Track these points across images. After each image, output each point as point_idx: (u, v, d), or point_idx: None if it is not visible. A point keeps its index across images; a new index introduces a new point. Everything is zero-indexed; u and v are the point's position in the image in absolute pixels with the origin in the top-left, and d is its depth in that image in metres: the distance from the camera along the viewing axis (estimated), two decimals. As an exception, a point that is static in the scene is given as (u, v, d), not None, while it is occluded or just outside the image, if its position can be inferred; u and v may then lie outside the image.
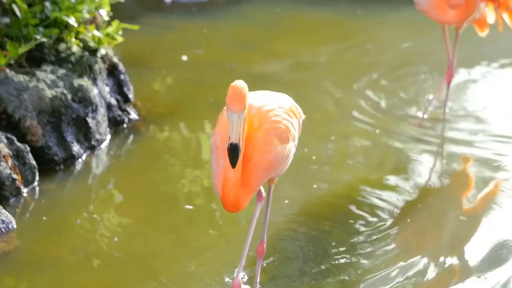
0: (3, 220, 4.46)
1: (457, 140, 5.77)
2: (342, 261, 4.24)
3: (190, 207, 4.85)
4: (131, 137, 5.78)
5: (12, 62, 5.25)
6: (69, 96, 5.35)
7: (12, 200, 4.79)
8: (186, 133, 5.89)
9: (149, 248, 4.39)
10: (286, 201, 4.84)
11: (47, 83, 5.28)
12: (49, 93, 5.25)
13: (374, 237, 4.48)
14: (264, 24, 8.43)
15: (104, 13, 5.82)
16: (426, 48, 7.62)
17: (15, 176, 4.81)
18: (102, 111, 5.58)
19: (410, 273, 4.15)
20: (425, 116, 6.02)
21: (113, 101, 5.84)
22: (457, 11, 5.53)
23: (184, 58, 7.28)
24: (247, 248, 3.69)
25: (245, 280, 4.03)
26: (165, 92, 6.68)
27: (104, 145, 5.55)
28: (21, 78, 5.19)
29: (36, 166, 5.01)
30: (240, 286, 3.65)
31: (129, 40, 6.27)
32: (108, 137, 5.65)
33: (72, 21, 5.53)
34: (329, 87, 6.68)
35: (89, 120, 5.42)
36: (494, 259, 4.28)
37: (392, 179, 5.19)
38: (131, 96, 6.09)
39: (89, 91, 5.46)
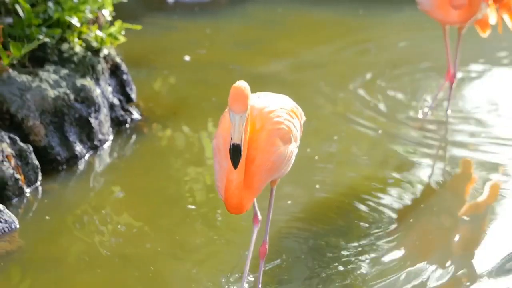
0: (6, 220, 4.47)
1: (459, 141, 5.76)
2: (346, 262, 4.23)
3: (193, 207, 4.85)
4: (134, 137, 5.79)
5: (15, 62, 5.26)
6: (72, 96, 5.36)
7: (15, 200, 4.80)
8: (188, 133, 5.89)
9: (151, 248, 4.39)
10: (289, 202, 4.85)
11: (50, 83, 5.29)
12: (52, 93, 5.25)
13: (377, 237, 4.47)
14: (267, 24, 8.43)
15: (106, 13, 5.83)
16: (428, 48, 7.62)
17: (18, 176, 4.82)
18: (104, 111, 5.59)
19: (414, 276, 4.14)
20: (428, 116, 6.02)
21: (115, 101, 5.85)
22: (460, 11, 5.52)
23: (187, 58, 7.28)
24: (247, 269, 3.74)
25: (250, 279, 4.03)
26: (167, 92, 6.68)
27: (106, 145, 5.56)
28: (24, 78, 5.20)
29: (39, 166, 5.02)
30: None
31: (132, 40, 6.28)
32: (111, 137, 5.66)
33: (74, 21, 5.54)
34: (332, 87, 6.68)
35: (92, 120, 5.42)
36: (496, 259, 4.28)
37: (395, 179, 5.19)
38: (133, 96, 6.09)
39: (91, 91, 5.47)
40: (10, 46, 5.06)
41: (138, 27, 6.03)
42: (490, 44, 7.10)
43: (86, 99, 5.43)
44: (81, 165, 5.30)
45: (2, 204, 4.56)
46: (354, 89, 6.62)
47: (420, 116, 6.07)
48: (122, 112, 5.87)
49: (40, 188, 4.99)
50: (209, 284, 4.07)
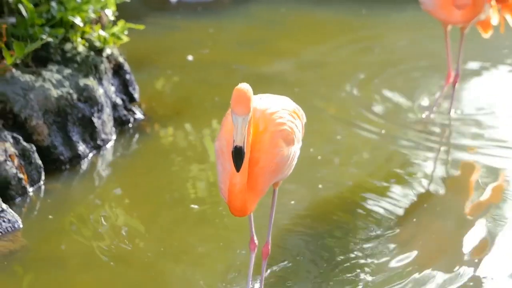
0: (9, 220, 4.48)
1: (461, 141, 5.76)
2: (350, 262, 4.22)
3: (195, 206, 4.85)
4: (137, 136, 5.79)
5: (18, 61, 5.27)
6: (75, 96, 5.36)
7: (18, 199, 4.81)
8: (191, 132, 5.89)
9: (154, 248, 4.39)
10: (293, 202, 4.84)
11: (53, 82, 5.29)
12: (55, 92, 5.26)
13: (381, 237, 4.47)
14: (270, 24, 8.43)
15: (109, 12, 5.84)
16: (431, 48, 7.61)
17: (21, 175, 4.82)
18: (107, 110, 5.59)
19: (412, 265, 4.15)
20: (431, 117, 6.01)
21: (118, 101, 5.85)
22: (463, 11, 5.50)
23: (190, 58, 7.28)
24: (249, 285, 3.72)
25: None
26: (170, 91, 6.69)
27: (109, 145, 5.56)
28: (27, 77, 5.21)
29: (42, 165, 5.02)
30: None
31: (135, 40, 6.29)
32: (114, 136, 5.66)
33: (78, 21, 5.54)
34: (335, 86, 6.68)
35: (95, 119, 5.43)
36: (499, 259, 4.28)
37: (398, 179, 5.19)
38: (136, 95, 6.10)
39: (94, 90, 5.47)
40: (13, 45, 5.07)
41: (141, 27, 6.03)
42: (492, 44, 7.09)
43: (89, 99, 5.43)
44: (84, 165, 5.30)
45: (5, 203, 4.57)
46: (357, 89, 6.61)
47: (423, 117, 6.06)
48: (125, 112, 5.88)
49: (43, 187, 5.00)
50: (211, 284, 4.08)
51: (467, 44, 5.98)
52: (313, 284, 4.07)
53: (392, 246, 4.39)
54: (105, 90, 5.68)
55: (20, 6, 5.38)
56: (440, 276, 4.11)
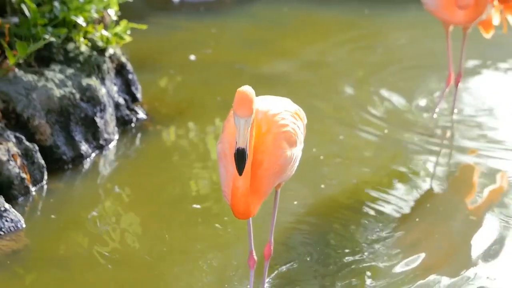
0: (12, 219, 4.48)
1: (464, 141, 5.75)
2: (354, 265, 4.21)
3: (198, 206, 4.85)
4: (139, 136, 5.80)
5: (21, 61, 5.27)
6: (78, 96, 5.37)
7: (20, 199, 4.81)
8: (194, 132, 5.90)
9: (157, 247, 4.40)
10: (295, 202, 4.84)
11: (56, 82, 5.30)
12: (57, 92, 5.27)
13: (385, 238, 4.47)
14: (272, 23, 8.43)
15: (112, 12, 5.84)
16: (434, 47, 7.61)
17: (23, 175, 4.83)
18: (110, 110, 5.60)
19: (417, 269, 4.15)
20: (434, 117, 6.00)
21: (121, 101, 5.86)
22: (466, 12, 5.49)
23: (192, 57, 7.29)
24: None
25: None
26: (173, 91, 6.69)
27: (112, 145, 5.57)
28: (30, 77, 5.21)
29: (44, 165, 5.03)
30: None
31: (137, 39, 6.29)
32: (116, 136, 5.67)
33: (80, 20, 5.55)
34: (337, 86, 6.68)
35: (97, 119, 5.43)
36: (502, 259, 4.28)
37: (401, 179, 5.19)
38: (139, 95, 6.10)
39: (97, 90, 5.48)
40: (16, 45, 5.08)
41: (144, 26, 6.03)
42: (494, 44, 7.08)
43: (92, 99, 5.44)
44: (87, 165, 5.31)
45: (8, 203, 4.57)
46: (360, 89, 6.61)
47: (427, 117, 6.05)
48: (127, 112, 5.88)
49: (45, 187, 5.00)
50: (214, 283, 4.08)
51: (468, 44, 5.97)
52: (319, 287, 4.07)
53: (396, 247, 4.38)
54: (108, 90, 5.69)
55: (23, 6, 5.39)
56: (446, 280, 4.11)
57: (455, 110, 6.07)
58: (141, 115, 5.98)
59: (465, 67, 6.88)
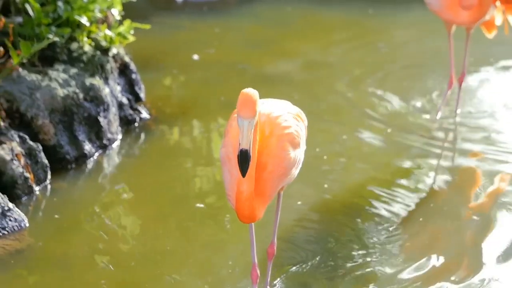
0: (15, 219, 4.49)
1: (467, 141, 5.75)
2: (358, 268, 4.20)
3: (201, 205, 4.86)
4: (142, 136, 5.80)
5: (24, 61, 5.28)
6: (81, 95, 5.37)
7: (24, 198, 4.82)
8: (197, 132, 5.90)
9: (160, 247, 4.40)
10: (299, 202, 4.83)
11: (59, 82, 5.31)
12: (61, 92, 5.27)
13: (387, 237, 4.46)
14: (275, 23, 8.43)
15: (116, 12, 5.85)
16: (437, 48, 7.60)
17: (27, 174, 4.84)
18: (113, 110, 5.60)
19: (421, 272, 4.14)
20: (437, 117, 5.99)
21: (124, 100, 5.86)
22: (469, 12, 5.47)
23: (195, 57, 7.29)
24: None
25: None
26: (176, 91, 6.69)
27: (115, 144, 5.57)
28: (34, 77, 5.22)
29: (48, 164, 5.03)
30: None
31: (141, 39, 6.29)
32: (120, 136, 5.67)
33: (84, 20, 5.55)
34: (340, 86, 6.68)
35: (101, 119, 5.44)
36: (506, 260, 4.27)
37: (404, 178, 5.18)
38: (142, 95, 6.11)
39: (100, 90, 5.48)
40: (20, 45, 5.08)
41: (147, 26, 6.04)
42: (496, 44, 7.06)
43: (95, 98, 5.44)
44: (90, 164, 5.31)
45: (12, 202, 4.58)
46: (363, 89, 6.61)
47: (430, 118, 6.04)
48: (131, 111, 5.89)
49: (49, 186, 5.01)
50: (218, 282, 4.08)
51: (471, 43, 5.96)
52: (317, 284, 4.07)
53: (401, 250, 4.35)
54: (111, 90, 5.69)
55: (27, 6, 5.40)
56: (437, 263, 4.11)
57: (458, 110, 6.07)
58: (145, 114, 5.98)
59: (471, 68, 6.88)
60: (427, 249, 4.34)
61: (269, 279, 3.89)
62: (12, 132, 4.94)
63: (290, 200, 4.73)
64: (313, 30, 8.34)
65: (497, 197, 4.99)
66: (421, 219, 4.72)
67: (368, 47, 7.75)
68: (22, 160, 4.84)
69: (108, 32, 5.79)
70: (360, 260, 4.24)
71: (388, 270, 4.16)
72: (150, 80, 6.49)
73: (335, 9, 8.77)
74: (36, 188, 4.93)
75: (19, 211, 4.55)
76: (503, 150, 5.54)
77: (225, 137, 3.50)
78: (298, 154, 3.53)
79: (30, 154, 4.94)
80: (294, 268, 4.18)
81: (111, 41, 5.81)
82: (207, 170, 5.33)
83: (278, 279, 4.09)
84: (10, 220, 4.46)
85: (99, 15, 5.69)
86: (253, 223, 3.55)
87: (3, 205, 4.47)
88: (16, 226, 4.48)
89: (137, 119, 5.90)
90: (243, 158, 3.21)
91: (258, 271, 3.65)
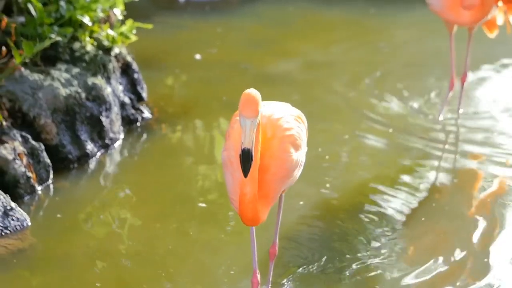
0: (18, 218, 4.50)
1: (470, 141, 5.75)
2: (360, 265, 4.21)
3: (203, 205, 4.86)
4: (144, 135, 5.81)
5: (27, 61, 5.29)
6: (83, 95, 5.38)
7: (26, 198, 4.83)
8: (199, 132, 5.90)
9: (162, 246, 4.40)
10: (301, 202, 4.83)
11: (62, 81, 5.31)
12: (63, 91, 5.28)
13: (390, 237, 4.46)
14: (278, 23, 8.43)
15: (118, 12, 5.85)
16: (438, 48, 7.60)
17: (29, 174, 4.84)
18: (115, 109, 5.61)
19: (427, 276, 4.13)
20: (440, 118, 5.99)
21: (126, 100, 5.87)
22: (471, 12, 5.45)
23: (198, 57, 7.30)
24: None
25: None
26: (178, 91, 6.70)
27: (117, 144, 5.58)
28: (36, 76, 5.23)
29: (50, 164, 5.04)
30: None
31: (143, 39, 6.30)
32: (122, 135, 5.68)
33: (86, 20, 5.56)
34: (342, 86, 6.68)
35: (103, 118, 5.44)
36: (508, 259, 4.27)
37: (406, 179, 5.19)
38: (144, 95, 6.11)
39: (103, 89, 5.49)
40: (23, 45, 5.09)
41: (149, 26, 6.04)
42: (497, 44, 7.06)
43: (97, 98, 5.45)
44: (92, 164, 5.32)
45: (14, 202, 4.58)
46: (365, 89, 6.61)
47: (431, 119, 6.03)
48: (133, 111, 5.89)
49: (51, 186, 5.02)
50: (220, 282, 4.08)
51: (472, 43, 5.96)
52: (319, 284, 4.07)
53: (404, 253, 4.34)
54: (113, 89, 5.70)
55: (29, 5, 5.40)
56: (439, 263, 4.10)
57: (461, 110, 6.06)
58: (147, 114, 5.99)
59: (473, 68, 6.87)
60: (432, 251, 4.33)
61: (271, 280, 3.89)
62: (15, 131, 4.95)
63: (292, 200, 4.73)
64: (314, 29, 8.34)
65: (501, 198, 4.99)
66: (423, 218, 4.72)
67: (369, 47, 7.74)
68: (25, 159, 4.85)
69: (111, 32, 5.80)
70: (364, 262, 4.23)
71: (393, 273, 4.14)
72: (152, 80, 6.50)
73: (336, 9, 8.77)
74: (38, 188, 4.93)
75: (21, 210, 4.56)
76: (505, 151, 5.54)
77: (227, 140, 3.49)
78: (300, 156, 3.53)
79: (32, 154, 4.95)
80: (296, 268, 4.18)
81: (113, 40, 5.81)
82: (209, 169, 5.34)
83: (280, 278, 4.09)
84: (13, 219, 4.47)
85: (101, 14, 5.70)
86: (254, 228, 3.53)
87: (5, 204, 4.48)
88: (18, 225, 4.49)
89: (139, 118, 5.91)
90: (246, 157, 3.20)
91: (259, 277, 3.62)
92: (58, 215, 4.71)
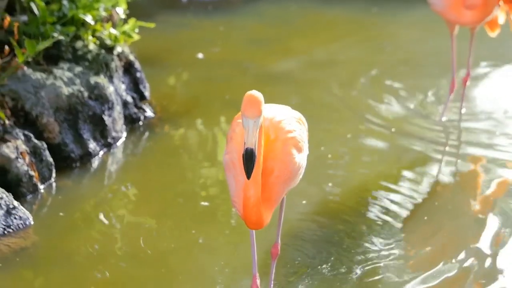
0: (20, 217, 4.50)
1: (472, 141, 5.74)
2: (362, 265, 4.20)
3: (206, 203, 4.87)
4: (147, 134, 5.81)
5: (29, 59, 5.29)
6: (86, 94, 5.39)
7: (29, 196, 4.83)
8: (201, 130, 5.91)
9: (164, 245, 4.41)
10: (304, 202, 4.83)
11: (64, 80, 5.32)
12: (66, 90, 5.29)
13: (393, 237, 4.46)
14: (280, 22, 8.43)
15: (120, 11, 5.86)
16: (442, 46, 7.58)
17: (32, 173, 4.85)
18: (118, 108, 5.62)
19: (427, 272, 4.13)
20: (442, 117, 5.98)
21: (129, 99, 5.88)
22: (474, 12, 5.43)
23: (200, 56, 7.30)
24: None
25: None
26: (180, 89, 6.70)
27: (120, 143, 5.59)
28: (39, 75, 5.24)
29: (53, 163, 5.05)
30: None
31: (145, 38, 6.30)
32: (124, 134, 5.68)
33: (89, 19, 5.57)
34: (344, 85, 6.68)
35: (105, 117, 5.45)
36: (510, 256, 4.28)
37: (408, 177, 5.19)
38: (147, 93, 6.12)
39: (105, 88, 5.49)
40: (25, 43, 5.09)
41: (152, 25, 6.05)
42: (499, 43, 7.05)
43: (100, 97, 5.45)
44: (95, 162, 5.33)
45: (17, 200, 4.59)
46: (367, 88, 6.61)
47: (433, 120, 6.02)
48: (135, 110, 5.90)
49: (54, 184, 5.02)
50: (222, 281, 4.09)
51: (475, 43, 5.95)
52: (321, 284, 4.07)
53: (406, 251, 4.35)
54: (116, 88, 5.71)
55: (32, 4, 5.41)
56: (442, 263, 4.10)
57: (463, 110, 6.06)
58: (149, 113, 5.99)
59: (475, 67, 6.87)
60: (437, 254, 4.32)
61: (272, 279, 3.88)
62: (17, 130, 4.96)
63: (295, 199, 4.73)
64: (317, 29, 8.34)
65: (502, 195, 4.99)
66: (425, 217, 4.72)
67: (371, 46, 7.74)
68: (27, 158, 4.86)
69: (113, 31, 5.80)
70: (368, 264, 4.22)
71: (398, 277, 4.13)
72: (155, 79, 6.50)
73: (338, 8, 8.76)
74: (41, 186, 4.94)
75: (24, 209, 4.57)
76: (507, 151, 5.54)
77: (229, 143, 3.46)
78: (302, 159, 3.52)
79: (35, 153, 4.95)
80: (298, 268, 4.19)
81: (115, 39, 5.82)
82: (211, 168, 5.34)
83: (282, 278, 4.09)
84: (15, 218, 4.48)
85: (104, 13, 5.70)
86: (254, 232, 3.52)
87: (8, 203, 4.49)
88: (21, 224, 4.49)
89: (142, 117, 5.91)
90: (248, 157, 3.18)
91: (258, 282, 3.59)
92: (61, 214, 4.72)
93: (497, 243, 4.43)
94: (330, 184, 5.08)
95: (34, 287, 4.15)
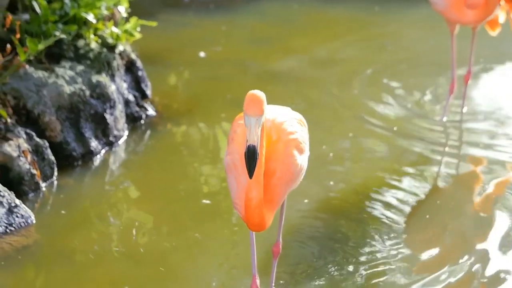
0: (22, 215, 4.51)
1: (473, 140, 5.74)
2: (363, 264, 4.20)
3: (207, 202, 4.87)
4: (149, 133, 5.82)
5: (31, 58, 5.30)
6: (88, 92, 5.39)
7: (31, 195, 4.84)
8: (203, 129, 5.91)
9: (166, 243, 4.41)
10: (306, 201, 4.83)
11: (66, 79, 5.33)
12: (67, 89, 5.29)
13: (394, 235, 4.47)
14: (282, 20, 8.43)
15: (122, 9, 5.86)
16: (444, 45, 7.57)
17: (34, 171, 4.86)
18: (120, 107, 5.62)
19: (433, 275, 4.13)
20: (444, 116, 5.98)
21: (130, 97, 5.88)
22: (475, 11, 5.41)
23: (202, 54, 7.30)
24: None
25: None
26: (182, 88, 6.70)
27: (121, 141, 5.59)
28: (40, 74, 5.24)
29: (54, 161, 5.05)
30: None
31: (147, 36, 6.30)
32: (126, 133, 5.69)
33: (90, 17, 5.57)
34: (347, 84, 6.68)
35: (107, 116, 5.45)
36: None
37: (409, 176, 5.19)
38: (148, 92, 6.12)
39: (107, 87, 5.50)
40: (27, 42, 5.10)
41: (154, 23, 6.05)
42: (499, 42, 7.04)
43: (102, 95, 5.46)
44: (96, 161, 5.33)
45: (19, 199, 4.60)
46: (369, 86, 6.61)
47: (434, 119, 6.01)
48: (137, 108, 5.90)
49: (55, 183, 5.03)
50: (223, 280, 4.09)
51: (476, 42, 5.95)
52: (323, 284, 4.07)
53: (407, 251, 4.34)
54: (118, 87, 5.71)
55: (34, 3, 5.42)
56: (444, 261, 4.10)
57: (464, 109, 6.06)
58: (151, 112, 5.99)
59: (476, 66, 6.87)
60: (440, 256, 4.32)
61: (274, 278, 3.88)
62: (19, 128, 4.96)
63: (297, 198, 4.73)
64: (319, 27, 8.34)
65: (503, 194, 4.99)
66: (427, 216, 4.72)
67: (374, 45, 7.74)
68: (29, 156, 4.86)
69: (115, 29, 5.80)
70: (369, 264, 4.21)
71: (400, 279, 4.13)
72: (157, 77, 6.51)
73: (340, 7, 8.76)
74: (43, 185, 4.95)
75: (26, 207, 4.57)
76: (508, 151, 5.54)
77: (230, 144, 3.45)
78: (304, 160, 3.51)
79: (37, 151, 4.96)
80: (299, 267, 4.19)
81: (117, 38, 5.82)
82: (213, 166, 5.35)
83: (283, 277, 4.09)
84: (17, 216, 4.48)
85: (105, 12, 5.71)
86: (254, 233, 3.51)
87: (10, 201, 4.50)
88: (23, 222, 4.50)
89: (143, 116, 5.92)
90: (251, 154, 3.16)
91: (258, 282, 3.57)
92: (63, 212, 4.72)
93: (503, 243, 4.42)
94: (331, 183, 5.09)
95: (36, 285, 4.15)
